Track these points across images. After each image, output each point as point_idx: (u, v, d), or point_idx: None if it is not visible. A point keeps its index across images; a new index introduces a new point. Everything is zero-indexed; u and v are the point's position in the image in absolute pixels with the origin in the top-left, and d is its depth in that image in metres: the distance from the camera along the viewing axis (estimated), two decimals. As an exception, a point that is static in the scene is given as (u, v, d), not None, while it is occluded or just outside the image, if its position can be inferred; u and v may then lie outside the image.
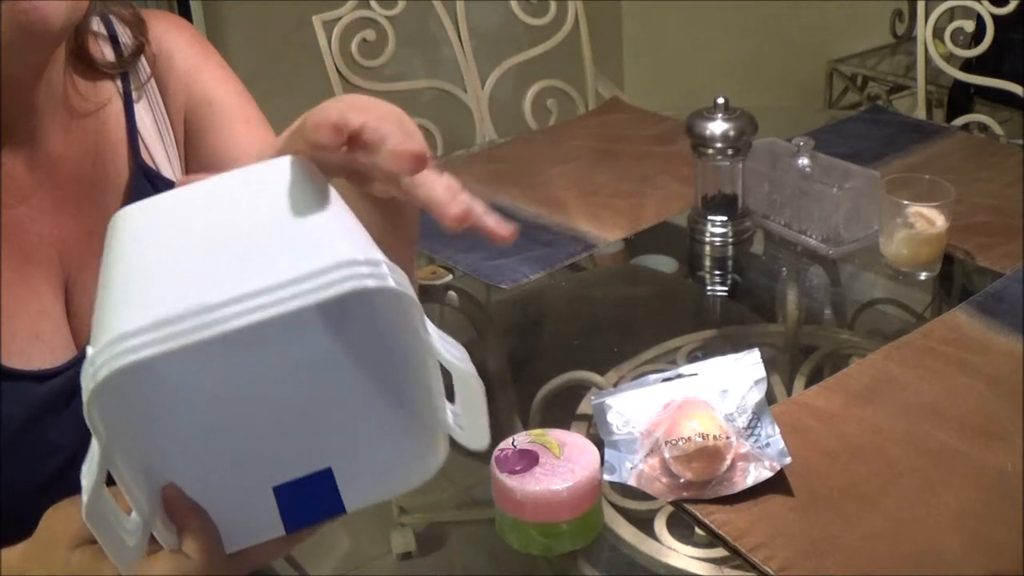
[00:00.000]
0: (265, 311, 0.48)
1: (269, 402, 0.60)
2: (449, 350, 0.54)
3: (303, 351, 0.61)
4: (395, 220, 0.69)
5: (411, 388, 0.58)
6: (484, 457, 0.84)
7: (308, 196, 0.54)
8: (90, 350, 0.49)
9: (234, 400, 0.60)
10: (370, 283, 0.49)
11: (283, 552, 0.60)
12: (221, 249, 0.51)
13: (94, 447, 0.51)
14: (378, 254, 0.51)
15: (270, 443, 0.60)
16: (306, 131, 0.55)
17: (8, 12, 0.64)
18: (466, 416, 0.57)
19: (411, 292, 0.52)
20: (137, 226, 0.54)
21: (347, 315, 0.59)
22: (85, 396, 0.48)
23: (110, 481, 0.54)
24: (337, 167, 0.58)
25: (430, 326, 0.54)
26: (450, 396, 0.58)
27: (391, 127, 0.54)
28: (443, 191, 0.56)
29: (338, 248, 0.50)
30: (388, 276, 0.50)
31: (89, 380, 0.48)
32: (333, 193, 0.55)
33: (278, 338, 0.59)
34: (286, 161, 0.56)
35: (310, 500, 0.58)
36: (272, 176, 0.55)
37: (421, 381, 0.57)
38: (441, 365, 0.56)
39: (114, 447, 0.52)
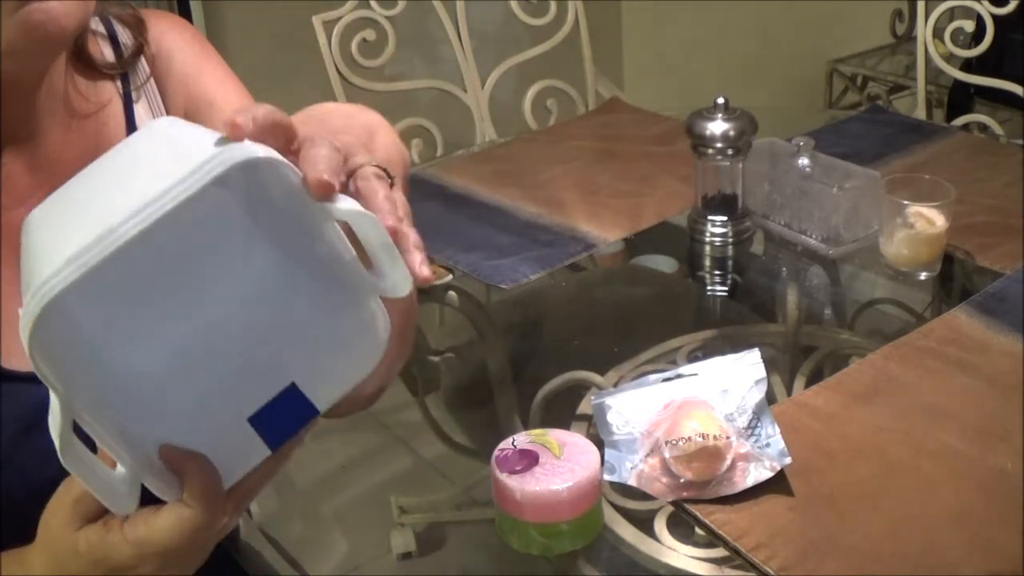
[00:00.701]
0: (156, 213, 0.50)
1: (216, 334, 0.62)
2: (340, 201, 0.55)
3: (224, 266, 0.62)
4: None
5: (331, 266, 0.59)
6: (484, 457, 0.85)
7: (190, 133, 0.57)
8: (20, 311, 0.51)
9: (183, 339, 0.61)
10: (237, 159, 0.51)
11: (277, 470, 0.61)
12: (116, 191, 0.54)
13: (53, 399, 0.53)
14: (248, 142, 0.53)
15: (229, 375, 0.61)
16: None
17: (22, 17, 0.65)
18: (380, 263, 0.57)
19: (280, 157, 0.53)
20: (41, 215, 0.57)
21: (242, 207, 0.60)
22: (27, 352, 0.50)
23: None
24: None
25: None
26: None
27: (319, 150, 0.56)
28: (383, 200, 0.57)
29: (212, 148, 0.53)
30: (258, 150, 0.52)
31: (24, 334, 0.50)
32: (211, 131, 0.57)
33: (190, 247, 0.60)
34: (167, 118, 0.61)
35: (284, 416, 0.60)
36: (157, 129, 0.59)
37: (335, 253, 0.58)
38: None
39: (75, 399, 0.53)
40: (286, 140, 0.57)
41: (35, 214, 0.58)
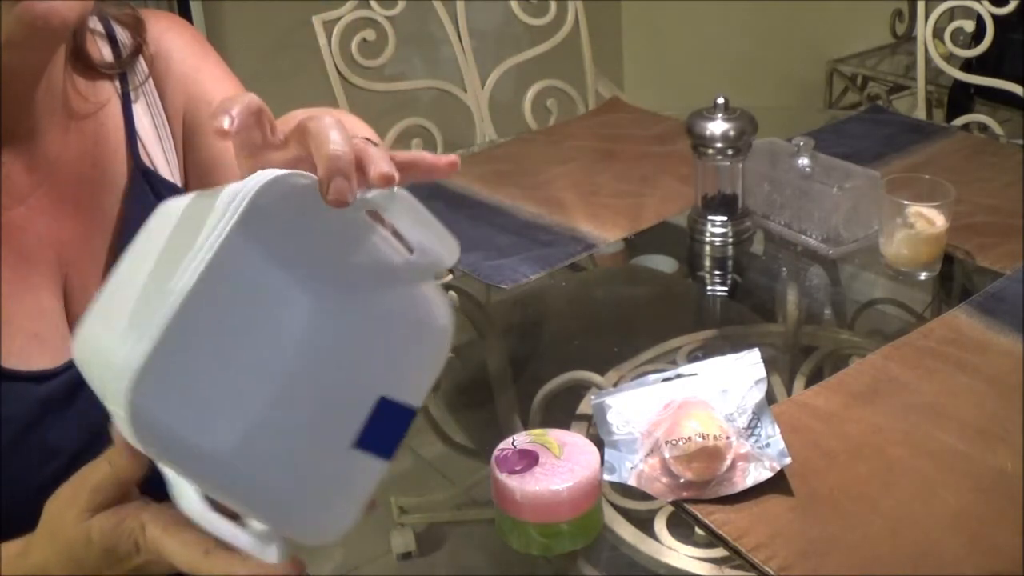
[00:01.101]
0: (204, 260, 0.50)
1: (288, 378, 0.62)
2: (363, 193, 0.55)
3: (272, 308, 0.62)
4: None
5: (375, 266, 0.59)
6: (484, 457, 0.85)
7: (196, 200, 0.57)
8: (112, 410, 0.51)
9: (258, 394, 0.61)
10: (260, 183, 0.51)
11: None
12: (155, 272, 0.54)
13: (173, 476, 0.54)
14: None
15: (318, 412, 0.61)
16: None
17: (22, 8, 0.64)
18: (423, 238, 0.57)
19: (291, 171, 0.53)
20: (89, 327, 0.57)
21: (282, 236, 0.60)
22: (146, 449, 0.50)
23: None
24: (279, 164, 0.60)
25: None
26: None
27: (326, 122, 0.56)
28: (374, 151, 0.58)
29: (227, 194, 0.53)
30: (270, 173, 0.52)
31: (130, 437, 0.50)
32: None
33: (236, 299, 0.60)
34: (170, 200, 0.60)
35: (386, 428, 0.60)
36: (164, 210, 0.59)
37: (375, 252, 0.58)
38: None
39: (193, 479, 0.54)
40: (270, 129, 0.57)
41: (81, 331, 0.58)
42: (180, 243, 0.53)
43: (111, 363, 0.51)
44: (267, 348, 0.61)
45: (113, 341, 0.53)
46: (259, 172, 0.53)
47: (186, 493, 0.54)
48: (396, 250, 0.58)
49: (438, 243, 0.57)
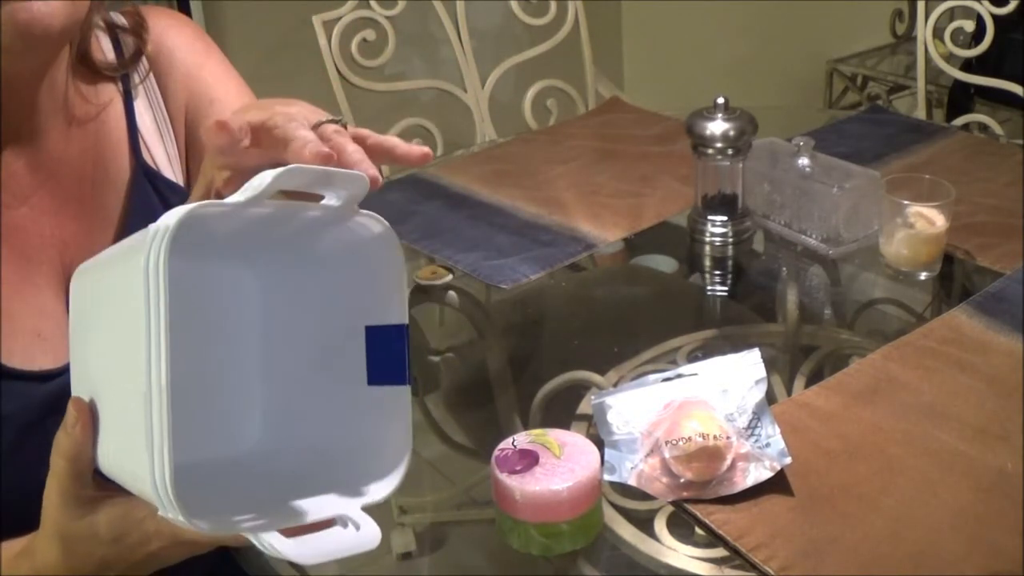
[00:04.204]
0: (162, 358, 0.50)
1: (285, 354, 0.63)
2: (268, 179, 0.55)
3: (228, 282, 0.63)
4: None
5: (314, 223, 0.60)
6: (484, 457, 0.85)
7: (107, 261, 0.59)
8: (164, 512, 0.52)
9: (268, 380, 0.63)
10: (162, 246, 0.51)
11: None
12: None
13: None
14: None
15: (324, 369, 0.63)
16: (205, 138, 0.61)
17: (8, 13, 0.64)
18: (334, 184, 0.58)
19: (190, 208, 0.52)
20: (101, 447, 0.59)
21: (209, 246, 0.60)
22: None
23: None
24: (251, 168, 0.61)
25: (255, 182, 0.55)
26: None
27: (292, 126, 0.59)
28: (352, 153, 0.60)
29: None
30: (170, 216, 0.51)
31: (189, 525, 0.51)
32: None
33: (199, 305, 0.62)
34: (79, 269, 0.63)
35: (388, 354, 0.62)
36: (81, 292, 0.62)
37: (307, 214, 0.58)
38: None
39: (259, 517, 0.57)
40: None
41: (99, 450, 0.59)
42: (124, 321, 0.53)
43: (141, 479, 0.52)
44: (235, 328, 0.62)
45: (132, 461, 0.53)
46: (161, 222, 0.52)
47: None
48: (324, 207, 0.59)
49: (348, 185, 0.58)
